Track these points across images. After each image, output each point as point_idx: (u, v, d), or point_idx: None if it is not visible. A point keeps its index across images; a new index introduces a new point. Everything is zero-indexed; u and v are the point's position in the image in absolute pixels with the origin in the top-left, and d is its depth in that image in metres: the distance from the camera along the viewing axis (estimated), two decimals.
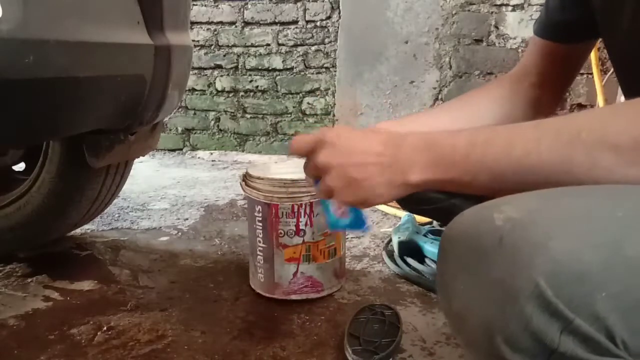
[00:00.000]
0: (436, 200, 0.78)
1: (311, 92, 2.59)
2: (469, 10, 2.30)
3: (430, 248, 1.27)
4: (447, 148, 0.50)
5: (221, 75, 2.70)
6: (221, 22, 2.64)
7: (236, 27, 2.63)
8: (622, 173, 0.42)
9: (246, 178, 1.13)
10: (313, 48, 2.54)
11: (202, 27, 2.67)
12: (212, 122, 2.77)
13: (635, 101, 0.44)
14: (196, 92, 2.76)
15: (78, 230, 1.54)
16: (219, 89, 2.72)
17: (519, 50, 2.27)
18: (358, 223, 0.62)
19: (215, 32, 2.66)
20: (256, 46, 2.62)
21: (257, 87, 2.66)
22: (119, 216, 1.72)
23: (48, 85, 0.80)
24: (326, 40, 2.51)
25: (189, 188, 2.12)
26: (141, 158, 1.68)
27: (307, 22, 2.52)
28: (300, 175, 1.16)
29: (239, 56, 2.66)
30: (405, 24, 2.38)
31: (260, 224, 1.10)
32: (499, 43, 2.29)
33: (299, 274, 1.10)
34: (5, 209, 1.29)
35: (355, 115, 2.52)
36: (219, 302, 1.13)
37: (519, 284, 0.37)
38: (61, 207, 1.28)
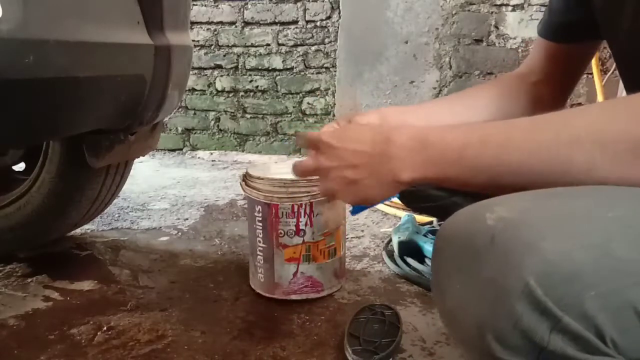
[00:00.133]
0: (437, 198, 0.78)
1: (311, 92, 2.59)
2: (469, 10, 2.30)
3: (430, 248, 1.27)
4: (440, 147, 0.50)
5: (221, 75, 2.70)
6: (221, 22, 2.64)
7: (236, 27, 2.63)
8: (621, 175, 0.42)
9: (246, 178, 1.13)
10: (313, 48, 2.54)
11: (202, 27, 2.67)
12: (212, 122, 2.77)
13: (632, 98, 0.44)
14: (196, 92, 2.76)
15: (78, 230, 1.54)
16: (219, 89, 2.72)
17: (519, 50, 2.27)
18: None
19: (215, 32, 2.66)
20: (256, 46, 2.62)
21: (257, 87, 2.66)
22: (119, 216, 1.72)
23: (48, 85, 0.80)
24: (326, 40, 2.52)
25: (189, 188, 2.12)
26: (141, 158, 1.68)
27: (307, 22, 2.52)
28: None
29: (239, 56, 2.66)
30: (405, 24, 2.38)
31: (260, 224, 1.10)
32: (499, 43, 2.29)
33: (299, 274, 1.10)
34: (5, 209, 1.29)
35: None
36: (219, 302, 1.13)
37: (509, 282, 0.37)
38: (61, 207, 1.28)
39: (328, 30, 2.50)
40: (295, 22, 2.54)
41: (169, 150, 2.84)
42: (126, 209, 1.80)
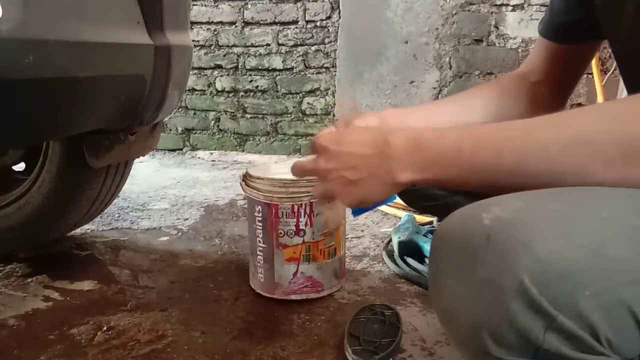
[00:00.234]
0: (438, 197, 0.78)
1: (311, 92, 2.59)
2: (469, 10, 2.30)
3: None
4: (436, 150, 0.50)
5: (221, 75, 2.70)
6: (221, 22, 2.64)
7: (236, 27, 2.63)
8: (615, 178, 0.42)
9: (246, 178, 1.13)
10: (313, 48, 2.54)
11: (202, 27, 2.67)
12: (212, 122, 2.77)
13: (626, 102, 0.44)
14: (196, 92, 2.76)
15: (78, 230, 1.54)
16: (219, 89, 2.72)
17: (519, 50, 2.27)
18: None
19: (215, 32, 2.66)
20: (256, 46, 2.62)
21: (257, 87, 2.66)
22: (119, 216, 1.72)
23: (48, 85, 0.80)
24: (326, 40, 2.52)
25: (189, 188, 2.12)
26: (141, 158, 1.68)
27: (307, 22, 2.52)
28: None
29: (239, 56, 2.66)
30: (405, 24, 2.38)
31: (260, 224, 1.10)
32: (499, 43, 2.29)
33: (299, 274, 1.10)
34: (5, 209, 1.29)
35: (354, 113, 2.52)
36: (219, 302, 1.13)
37: (504, 281, 0.38)
38: (61, 207, 1.28)
39: (328, 30, 2.50)
40: (295, 22, 2.54)
41: (169, 150, 2.84)
42: (126, 209, 1.80)
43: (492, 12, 2.28)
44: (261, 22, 2.58)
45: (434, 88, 2.40)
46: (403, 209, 1.65)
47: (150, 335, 1.00)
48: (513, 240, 0.38)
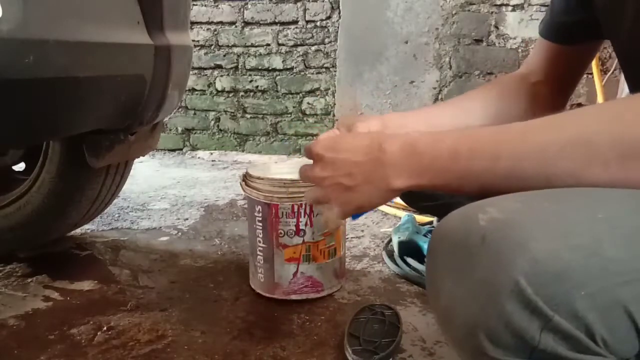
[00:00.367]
0: (438, 197, 0.78)
1: (311, 92, 2.59)
2: (469, 10, 2.30)
3: None
4: (431, 156, 0.50)
5: (221, 75, 2.70)
6: (221, 22, 2.64)
7: (236, 27, 2.63)
8: (612, 179, 0.42)
9: (246, 178, 1.13)
10: (313, 48, 2.54)
11: (202, 27, 2.67)
12: (212, 122, 2.77)
13: (621, 103, 0.44)
14: (196, 92, 2.76)
15: (78, 230, 1.54)
16: (219, 89, 2.72)
17: (519, 50, 2.27)
18: None
19: (215, 32, 2.66)
20: (256, 46, 2.62)
21: (257, 87, 2.66)
22: (119, 216, 1.72)
23: (48, 85, 0.80)
24: (326, 40, 2.52)
25: (189, 188, 2.12)
26: (141, 158, 1.68)
27: (307, 22, 2.52)
28: None
29: (239, 56, 2.66)
30: (405, 24, 2.38)
31: (260, 224, 1.10)
32: (499, 43, 2.29)
33: (299, 274, 1.10)
34: (5, 209, 1.29)
35: (355, 115, 2.52)
36: (219, 302, 1.13)
37: (500, 282, 0.38)
38: (61, 207, 1.28)
39: (328, 30, 2.50)
40: (295, 22, 2.54)
41: (169, 150, 2.84)
42: (126, 209, 1.80)
43: (492, 12, 2.28)
44: (261, 22, 2.58)
45: (434, 88, 2.40)
46: (403, 209, 1.65)
47: (150, 335, 1.00)
48: (508, 241, 0.38)
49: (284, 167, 1.24)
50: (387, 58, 2.43)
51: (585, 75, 2.15)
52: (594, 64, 2.02)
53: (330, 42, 2.51)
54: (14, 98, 0.77)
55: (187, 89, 2.58)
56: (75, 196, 1.27)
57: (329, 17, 2.49)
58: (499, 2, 2.26)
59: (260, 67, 2.63)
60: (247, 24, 2.61)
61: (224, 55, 2.68)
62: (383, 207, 1.74)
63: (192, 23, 2.63)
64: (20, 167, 1.46)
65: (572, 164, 0.43)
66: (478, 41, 2.32)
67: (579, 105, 2.21)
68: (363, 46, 2.46)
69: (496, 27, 2.28)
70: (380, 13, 2.40)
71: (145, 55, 1.02)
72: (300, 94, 2.61)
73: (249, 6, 2.58)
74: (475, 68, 2.34)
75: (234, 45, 2.65)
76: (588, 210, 0.40)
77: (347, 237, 1.34)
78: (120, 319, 1.06)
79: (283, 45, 2.58)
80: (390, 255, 1.35)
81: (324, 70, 2.55)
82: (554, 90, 0.77)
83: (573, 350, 0.37)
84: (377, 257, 1.38)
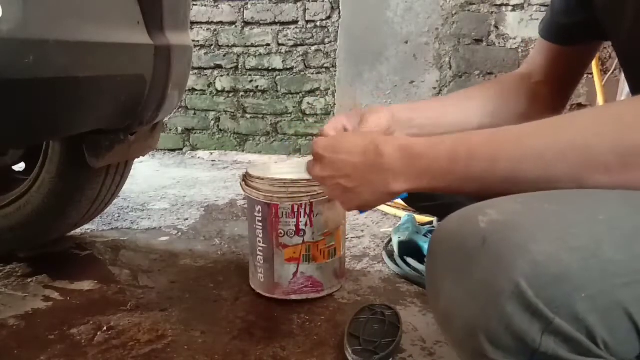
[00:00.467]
0: (438, 197, 0.78)
1: (311, 92, 2.59)
2: (469, 10, 2.30)
3: None
4: (429, 160, 0.50)
5: (221, 75, 2.70)
6: (221, 22, 2.64)
7: (236, 27, 2.63)
8: (612, 183, 0.42)
9: (246, 178, 1.13)
10: (313, 48, 2.54)
11: (202, 27, 2.67)
12: (212, 122, 2.77)
13: (618, 106, 0.44)
14: (196, 92, 2.76)
15: (78, 230, 1.54)
16: (219, 89, 2.72)
17: (519, 50, 2.27)
18: None
19: (215, 32, 2.66)
20: (256, 46, 2.62)
21: (257, 87, 2.66)
22: (119, 216, 1.72)
23: (48, 85, 0.80)
24: (326, 40, 2.52)
25: (189, 188, 2.12)
26: (141, 158, 1.68)
27: (307, 22, 2.52)
28: (300, 175, 1.16)
29: (239, 56, 2.66)
30: (405, 24, 2.38)
31: (260, 224, 1.10)
32: (499, 43, 2.29)
33: (299, 274, 1.10)
34: (5, 209, 1.29)
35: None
36: (219, 302, 1.13)
37: (500, 284, 0.38)
38: (61, 207, 1.28)
39: (328, 30, 2.50)
40: (295, 22, 2.54)
41: (169, 150, 2.84)
42: (126, 209, 1.80)
43: (492, 12, 2.28)
44: (261, 22, 2.58)
45: (434, 88, 2.40)
46: (403, 209, 1.65)
47: (150, 335, 1.00)
48: (509, 243, 0.38)
49: (284, 167, 1.24)
50: (387, 58, 2.43)
51: (585, 75, 2.15)
52: (594, 64, 2.02)
53: (330, 42, 2.51)
54: (14, 98, 0.77)
55: (187, 89, 2.58)
56: (75, 196, 1.27)
57: (329, 17, 2.49)
58: (499, 2, 2.26)
59: (260, 67, 2.63)
60: (247, 24, 2.61)
61: (224, 55, 2.68)
62: (383, 207, 1.74)
63: (192, 23, 2.63)
64: (20, 167, 1.46)
65: (572, 168, 0.43)
66: (478, 41, 2.32)
67: (579, 105, 2.21)
68: (363, 46, 2.46)
69: (496, 27, 2.28)
70: (380, 13, 2.40)
71: (145, 55, 1.02)
72: (300, 94, 2.61)
73: (249, 6, 2.58)
74: (475, 68, 2.34)
75: (234, 45, 2.65)
76: (588, 212, 0.40)
77: (347, 237, 1.34)
78: (120, 319, 1.06)
79: (283, 45, 2.58)
80: (390, 255, 1.35)
81: (324, 70, 2.55)
82: (555, 90, 0.77)
83: (574, 353, 0.37)
84: (377, 257, 1.37)
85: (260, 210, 1.09)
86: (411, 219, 1.40)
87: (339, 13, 2.47)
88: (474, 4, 2.29)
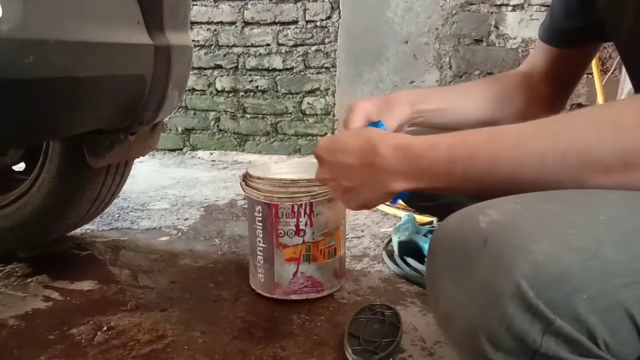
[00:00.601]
0: (439, 197, 0.78)
1: (311, 92, 2.59)
2: (469, 10, 2.30)
3: None
4: (427, 161, 0.50)
5: (221, 75, 2.70)
6: (221, 22, 2.64)
7: (236, 27, 2.63)
8: (612, 184, 0.42)
9: (246, 178, 1.13)
10: (313, 48, 2.54)
11: (202, 27, 2.67)
12: (212, 122, 2.77)
13: (617, 108, 0.44)
14: (196, 92, 2.76)
15: (78, 230, 1.54)
16: (219, 89, 2.72)
17: (519, 50, 2.27)
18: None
19: (215, 32, 2.66)
20: (256, 46, 2.62)
21: (257, 87, 2.66)
22: (119, 216, 1.72)
23: (48, 85, 0.80)
24: (326, 40, 2.52)
25: (189, 188, 2.12)
26: (141, 158, 1.68)
27: (307, 22, 2.52)
28: (300, 175, 1.16)
29: (239, 56, 2.66)
30: (405, 24, 2.38)
31: (260, 224, 1.10)
32: (499, 43, 2.29)
33: (299, 274, 1.10)
34: (5, 209, 1.29)
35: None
36: (219, 302, 1.13)
37: (501, 285, 0.37)
38: (61, 207, 1.28)
39: (328, 30, 2.50)
40: (295, 22, 2.54)
41: (169, 150, 2.84)
42: (126, 209, 1.80)
43: (492, 12, 2.28)
44: (261, 22, 2.58)
45: None
46: (403, 209, 1.65)
47: (150, 335, 1.00)
48: (509, 244, 0.38)
49: (284, 167, 1.24)
50: (387, 58, 2.43)
51: (585, 75, 2.15)
52: (594, 64, 2.02)
53: (330, 42, 2.51)
54: (14, 98, 0.77)
55: (187, 89, 2.58)
56: (75, 196, 1.27)
57: (329, 17, 2.49)
58: (499, 2, 2.26)
59: (260, 67, 2.63)
60: (247, 24, 2.61)
61: (224, 55, 2.68)
62: (383, 207, 1.74)
63: (192, 23, 2.63)
64: (20, 167, 1.46)
65: (572, 169, 0.43)
66: (478, 41, 2.32)
67: (579, 105, 2.21)
68: (363, 46, 2.46)
69: (496, 27, 2.28)
70: (380, 13, 2.40)
71: (145, 55, 1.02)
72: (300, 94, 2.61)
73: (249, 6, 2.58)
74: (475, 68, 2.34)
75: (234, 45, 2.65)
76: (589, 212, 0.40)
77: (347, 237, 1.34)
78: (120, 319, 1.06)
79: (283, 45, 2.58)
80: (390, 255, 1.35)
81: (324, 70, 2.55)
82: (555, 89, 0.77)
83: (575, 354, 0.37)
84: (377, 257, 1.37)
85: (260, 210, 1.09)
86: (411, 219, 1.40)
87: (339, 13, 2.47)
88: (474, 4, 2.29)
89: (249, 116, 2.71)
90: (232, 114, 2.73)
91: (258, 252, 1.12)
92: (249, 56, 2.64)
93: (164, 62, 1.07)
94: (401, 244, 1.31)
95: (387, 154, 0.53)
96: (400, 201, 0.74)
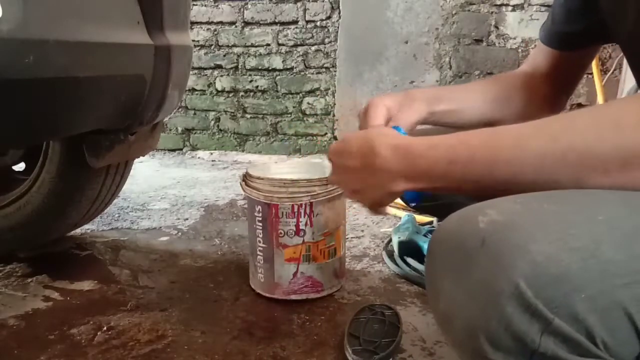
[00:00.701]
0: (439, 197, 0.78)
1: (311, 92, 2.59)
2: (469, 10, 2.30)
3: None
4: (426, 163, 0.50)
5: (221, 75, 2.70)
6: (221, 22, 2.64)
7: (236, 27, 2.63)
8: (612, 185, 0.42)
9: (246, 178, 1.13)
10: (313, 48, 2.54)
11: (202, 27, 2.67)
12: (212, 122, 2.77)
13: (616, 108, 0.44)
14: (196, 92, 2.76)
15: (78, 230, 1.54)
16: (219, 89, 2.72)
17: (519, 50, 2.27)
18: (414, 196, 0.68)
19: (215, 32, 2.66)
20: (256, 46, 2.62)
21: (257, 87, 2.66)
22: (119, 216, 1.72)
23: (48, 85, 0.80)
24: (326, 40, 2.51)
25: (189, 188, 2.12)
26: (141, 158, 1.68)
27: (307, 22, 2.52)
28: (300, 175, 1.16)
29: (239, 56, 2.66)
30: (405, 24, 2.38)
31: (260, 224, 1.10)
32: (499, 43, 2.29)
33: (299, 274, 1.10)
34: (5, 209, 1.29)
35: (356, 115, 2.52)
36: (219, 302, 1.13)
37: (500, 285, 0.38)
38: (61, 207, 1.28)
39: (328, 30, 2.50)
40: (295, 22, 2.54)
41: (169, 150, 2.84)
42: (126, 209, 1.80)
43: (492, 12, 2.28)
44: (261, 22, 2.58)
45: None
46: (403, 209, 1.65)
47: (150, 335, 1.00)
48: (508, 243, 0.38)
49: (284, 167, 1.24)
50: (387, 58, 2.43)
51: (585, 75, 2.15)
52: (594, 64, 2.02)
53: (330, 42, 2.51)
54: (14, 98, 0.77)
55: (187, 89, 2.58)
56: (75, 196, 1.27)
57: (329, 17, 2.49)
58: (499, 2, 2.26)
59: (260, 67, 2.63)
60: (247, 24, 2.61)
61: (224, 55, 2.68)
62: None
63: (192, 23, 2.63)
64: (20, 167, 1.46)
65: (572, 170, 0.43)
66: (478, 41, 2.32)
67: (579, 105, 2.21)
68: (363, 46, 2.46)
69: (496, 27, 2.28)
70: (380, 13, 2.40)
71: (145, 55, 1.02)
72: (300, 94, 2.61)
73: (249, 6, 2.58)
74: (475, 68, 2.34)
75: (234, 45, 2.65)
76: (588, 212, 0.40)
77: (347, 237, 1.34)
78: (120, 319, 1.06)
79: (283, 45, 2.58)
80: (390, 255, 1.35)
81: (324, 70, 2.55)
82: (556, 89, 0.77)
83: (573, 353, 0.37)
84: (377, 257, 1.37)
85: (260, 210, 1.09)
86: (411, 219, 1.40)
87: (339, 13, 2.47)
88: (474, 4, 2.29)
89: (249, 116, 2.71)
90: (232, 114, 2.73)
91: (258, 252, 1.12)
92: (249, 56, 2.64)
93: (164, 62, 1.07)
94: (401, 244, 1.31)
95: (386, 154, 0.53)
96: (399, 200, 0.74)
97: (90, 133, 1.04)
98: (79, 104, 0.89)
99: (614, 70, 2.13)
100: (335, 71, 2.53)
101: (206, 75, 2.72)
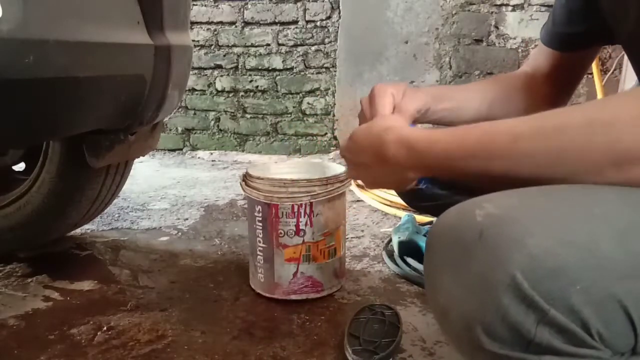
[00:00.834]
0: (438, 197, 0.78)
1: (311, 92, 2.59)
2: (469, 10, 2.30)
3: None
4: (429, 157, 0.52)
5: (221, 75, 2.70)
6: (221, 22, 2.64)
7: (236, 27, 2.63)
8: (608, 182, 0.43)
9: (246, 178, 1.13)
10: (313, 48, 2.54)
11: (202, 27, 2.67)
12: (212, 122, 2.77)
13: (611, 107, 0.44)
14: (196, 92, 2.76)
15: (78, 230, 1.54)
16: (219, 89, 2.72)
17: (519, 50, 2.27)
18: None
19: (215, 32, 2.66)
20: (256, 46, 2.62)
21: (257, 87, 2.66)
22: (119, 216, 1.72)
23: (48, 85, 0.80)
24: (326, 40, 2.52)
25: (189, 188, 2.12)
26: (141, 158, 1.68)
27: (307, 22, 2.52)
28: (300, 175, 1.16)
29: (239, 56, 2.66)
30: (405, 24, 2.38)
31: (260, 224, 1.10)
32: (499, 43, 2.29)
33: (299, 274, 1.10)
34: (5, 209, 1.29)
35: (355, 115, 2.52)
36: (219, 302, 1.13)
37: (497, 277, 0.38)
38: (61, 207, 1.28)
39: (328, 30, 2.50)
40: (295, 22, 2.54)
41: (169, 150, 2.84)
42: (126, 209, 1.80)
43: (492, 12, 2.28)
44: (261, 22, 2.58)
45: None
46: (403, 209, 1.65)
47: (150, 335, 1.00)
48: (505, 237, 0.39)
49: (284, 167, 1.24)
50: (387, 58, 2.43)
51: (585, 75, 2.15)
52: (594, 64, 2.02)
53: (330, 42, 2.51)
54: (14, 98, 0.77)
55: (187, 89, 2.58)
56: (75, 196, 1.27)
57: (329, 17, 2.49)
58: (499, 2, 2.26)
59: (260, 67, 2.63)
60: (247, 24, 2.61)
61: (224, 55, 2.68)
62: (383, 207, 1.74)
63: (192, 23, 2.63)
64: (20, 167, 1.46)
65: (566, 170, 0.44)
66: (478, 41, 2.32)
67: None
68: (363, 46, 2.46)
69: (496, 27, 2.28)
70: (380, 13, 2.40)
71: (145, 55, 1.02)
72: (300, 94, 2.61)
73: (249, 6, 2.58)
74: (475, 68, 2.34)
75: (234, 45, 2.65)
76: (584, 206, 0.41)
77: (347, 237, 1.34)
78: (120, 319, 1.06)
79: (283, 45, 2.58)
80: (390, 255, 1.35)
81: (324, 70, 2.55)
82: (556, 90, 0.78)
83: (569, 344, 0.38)
84: (377, 257, 1.37)
85: (260, 210, 1.09)
86: (411, 219, 1.40)
87: (339, 13, 2.47)
88: (474, 4, 2.29)
89: (249, 116, 2.71)
90: (232, 114, 2.73)
91: (258, 252, 1.12)
92: (249, 56, 2.64)
93: (164, 62, 1.07)
94: (401, 244, 1.31)
95: (394, 149, 0.55)
96: (399, 200, 0.75)
97: (90, 133, 1.04)
98: (79, 104, 0.89)
99: (614, 70, 2.13)
100: (335, 71, 2.53)
101: (206, 75, 2.72)
